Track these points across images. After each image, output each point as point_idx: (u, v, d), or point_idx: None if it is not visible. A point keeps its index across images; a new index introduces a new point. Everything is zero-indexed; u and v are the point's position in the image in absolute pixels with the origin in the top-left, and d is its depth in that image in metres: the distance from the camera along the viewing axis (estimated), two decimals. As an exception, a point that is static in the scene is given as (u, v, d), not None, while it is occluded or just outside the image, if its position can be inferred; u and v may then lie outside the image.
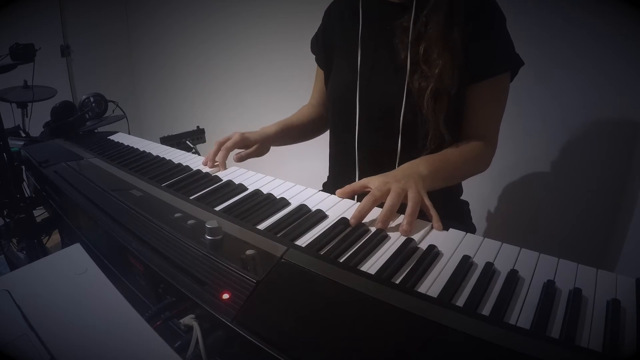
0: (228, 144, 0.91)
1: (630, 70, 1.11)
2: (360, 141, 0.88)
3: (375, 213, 0.64)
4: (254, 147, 0.95)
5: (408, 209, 0.63)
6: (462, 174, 0.84)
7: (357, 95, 0.85)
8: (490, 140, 0.84)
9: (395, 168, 0.84)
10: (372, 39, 0.86)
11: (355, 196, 0.74)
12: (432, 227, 0.63)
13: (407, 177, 0.69)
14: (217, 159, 0.91)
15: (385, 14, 0.84)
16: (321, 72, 1.03)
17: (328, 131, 1.05)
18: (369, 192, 0.67)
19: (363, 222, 0.63)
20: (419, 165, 0.74)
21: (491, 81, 0.79)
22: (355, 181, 0.89)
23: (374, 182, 0.68)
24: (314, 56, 1.04)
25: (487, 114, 0.83)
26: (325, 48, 0.97)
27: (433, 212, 0.64)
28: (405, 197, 0.65)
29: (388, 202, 0.63)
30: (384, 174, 0.71)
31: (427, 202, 0.66)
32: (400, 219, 0.63)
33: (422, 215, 0.65)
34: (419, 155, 0.81)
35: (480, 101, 0.81)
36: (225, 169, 0.90)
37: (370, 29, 0.86)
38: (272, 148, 1.01)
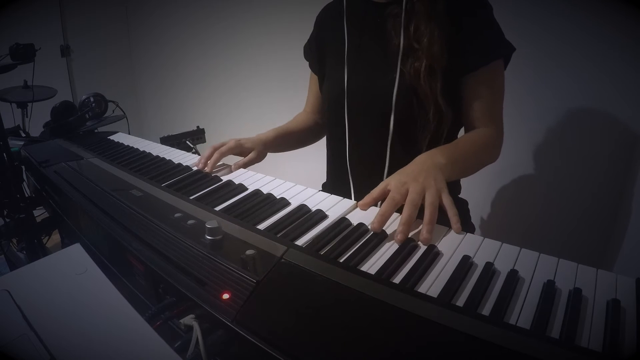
0: (223, 148, 0.91)
1: (631, 70, 1.11)
2: (351, 141, 0.89)
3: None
4: (251, 154, 0.94)
5: (426, 217, 0.60)
6: (477, 163, 0.82)
7: (345, 97, 0.87)
8: (496, 127, 0.84)
9: (385, 166, 0.84)
10: (360, 38, 0.87)
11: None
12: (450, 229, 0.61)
13: (425, 171, 0.66)
14: (209, 161, 0.89)
15: (371, 12, 0.86)
16: (315, 78, 1.04)
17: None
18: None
19: (363, 222, 0.63)
20: (436, 154, 0.71)
21: (486, 69, 0.80)
22: (349, 182, 0.90)
23: (391, 184, 0.66)
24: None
25: (488, 102, 0.83)
26: (318, 53, 0.98)
27: (452, 211, 0.62)
28: (424, 198, 0.63)
29: (405, 213, 0.60)
30: (401, 170, 0.69)
31: (447, 199, 0.63)
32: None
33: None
34: (414, 147, 0.82)
35: (479, 90, 0.82)
36: (212, 170, 0.88)
37: (357, 30, 0.88)
38: (272, 148, 1.01)
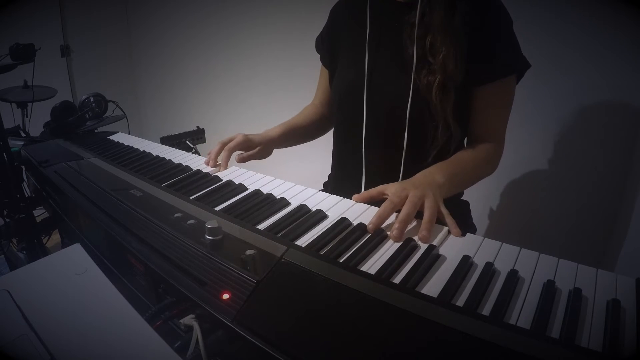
0: (231, 144, 0.91)
1: (631, 70, 1.11)
2: (367, 141, 0.88)
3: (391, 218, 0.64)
4: (257, 149, 0.95)
5: (425, 216, 0.62)
6: (474, 178, 0.84)
7: (364, 95, 0.85)
8: (498, 142, 0.85)
9: (401, 168, 0.84)
10: (378, 38, 0.86)
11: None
12: (449, 232, 0.61)
13: (424, 184, 0.69)
14: (219, 158, 0.91)
15: (391, 13, 0.85)
16: (325, 72, 1.03)
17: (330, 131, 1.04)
18: (385, 198, 0.66)
19: (363, 222, 0.63)
20: (435, 174, 0.73)
21: (498, 83, 0.79)
22: (361, 182, 0.90)
23: (391, 189, 0.68)
24: (318, 55, 1.03)
25: (495, 116, 0.83)
26: (331, 47, 0.97)
27: (450, 219, 0.64)
28: (422, 205, 0.64)
29: (404, 210, 0.62)
30: (402, 181, 0.72)
31: (444, 210, 0.65)
32: (415, 224, 0.63)
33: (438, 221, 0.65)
34: (425, 154, 0.81)
35: (487, 103, 0.82)
36: (226, 168, 0.90)
37: (377, 28, 0.86)
38: (272, 148, 1.01)
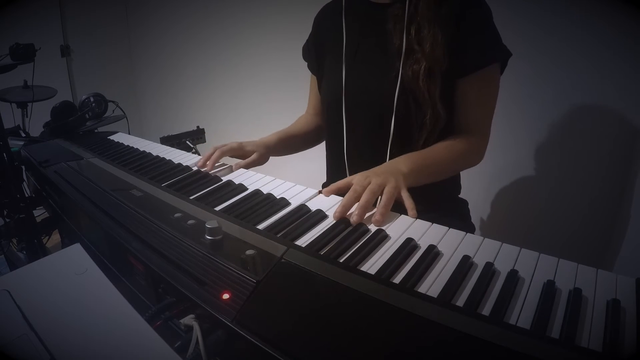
0: (224, 148, 0.92)
1: (631, 70, 1.11)
2: (349, 141, 0.89)
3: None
4: (254, 155, 0.95)
5: (382, 201, 0.65)
6: (450, 168, 0.85)
7: (343, 95, 0.87)
8: (482, 132, 0.85)
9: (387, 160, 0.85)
10: (359, 38, 0.88)
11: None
12: (411, 221, 0.64)
13: (387, 172, 0.71)
14: (209, 160, 0.90)
15: (370, 13, 0.86)
16: (315, 79, 1.04)
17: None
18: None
19: (363, 222, 0.63)
20: (400, 163, 0.76)
21: (481, 73, 0.80)
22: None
23: (355, 179, 0.71)
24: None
25: (479, 105, 0.84)
26: (317, 53, 0.99)
27: (409, 202, 0.66)
28: (382, 192, 0.67)
29: (363, 198, 0.65)
30: (367, 170, 0.74)
31: (405, 193, 0.68)
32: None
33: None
34: (412, 145, 0.83)
35: (472, 93, 0.82)
36: (212, 169, 0.89)
37: (356, 29, 0.88)
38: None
